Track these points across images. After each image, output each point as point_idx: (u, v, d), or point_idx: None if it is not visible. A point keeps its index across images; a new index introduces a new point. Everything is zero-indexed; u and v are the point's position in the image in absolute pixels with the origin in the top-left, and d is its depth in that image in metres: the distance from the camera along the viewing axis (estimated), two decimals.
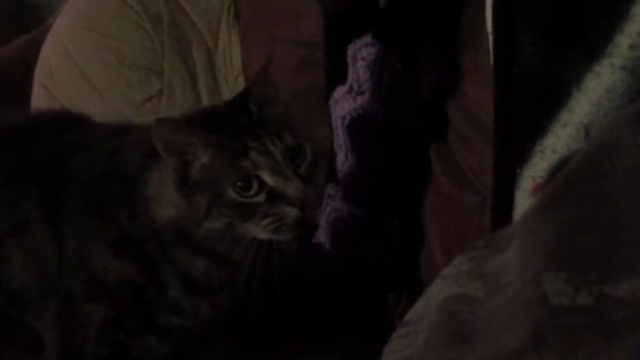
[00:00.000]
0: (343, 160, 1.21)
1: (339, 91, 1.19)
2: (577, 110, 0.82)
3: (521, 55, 0.85)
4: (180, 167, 0.95)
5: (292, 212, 0.94)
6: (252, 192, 0.94)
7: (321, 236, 1.27)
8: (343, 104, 1.18)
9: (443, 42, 1.06)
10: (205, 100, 1.58)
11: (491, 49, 0.88)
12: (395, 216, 1.19)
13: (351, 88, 1.17)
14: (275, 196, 0.94)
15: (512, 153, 0.86)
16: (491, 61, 0.88)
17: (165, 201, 0.97)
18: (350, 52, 1.15)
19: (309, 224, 0.98)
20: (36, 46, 1.69)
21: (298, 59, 1.42)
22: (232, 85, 1.59)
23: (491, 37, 0.88)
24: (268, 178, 0.94)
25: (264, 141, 0.94)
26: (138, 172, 0.99)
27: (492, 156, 0.89)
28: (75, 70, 1.59)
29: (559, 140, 0.83)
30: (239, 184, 0.94)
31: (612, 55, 0.80)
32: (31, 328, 1.05)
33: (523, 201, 0.85)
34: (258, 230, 0.95)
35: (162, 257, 0.99)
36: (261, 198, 0.94)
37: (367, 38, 1.13)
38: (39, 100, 1.63)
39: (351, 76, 1.16)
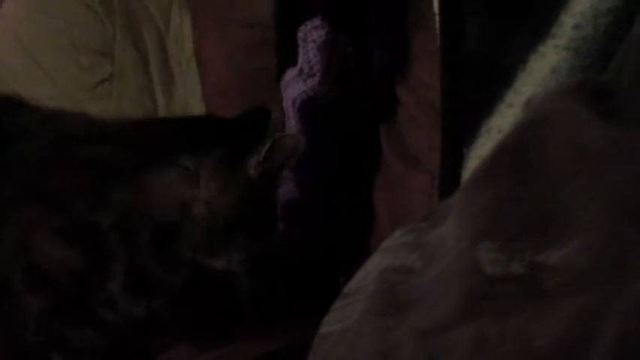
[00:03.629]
0: None
1: (290, 74, 1.19)
2: (522, 90, 0.83)
3: (467, 36, 0.85)
4: None
5: None
6: None
7: None
8: (294, 87, 1.18)
9: (392, 24, 1.06)
10: (157, 83, 1.56)
11: (438, 31, 0.89)
12: (346, 197, 1.19)
13: (301, 70, 1.16)
14: None
15: (459, 133, 0.87)
16: (439, 43, 0.89)
17: None
18: (300, 35, 1.15)
19: None
20: None
21: (249, 41, 1.41)
22: (185, 67, 1.58)
23: (437, 18, 0.89)
24: None
25: None
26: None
27: (440, 136, 0.90)
28: (24, 54, 1.57)
29: (505, 120, 0.84)
30: None
31: (556, 36, 0.81)
32: None
33: None
34: None
35: (120, 251, 0.99)
36: None
37: (317, 20, 1.13)
38: None
39: (301, 59, 1.16)
